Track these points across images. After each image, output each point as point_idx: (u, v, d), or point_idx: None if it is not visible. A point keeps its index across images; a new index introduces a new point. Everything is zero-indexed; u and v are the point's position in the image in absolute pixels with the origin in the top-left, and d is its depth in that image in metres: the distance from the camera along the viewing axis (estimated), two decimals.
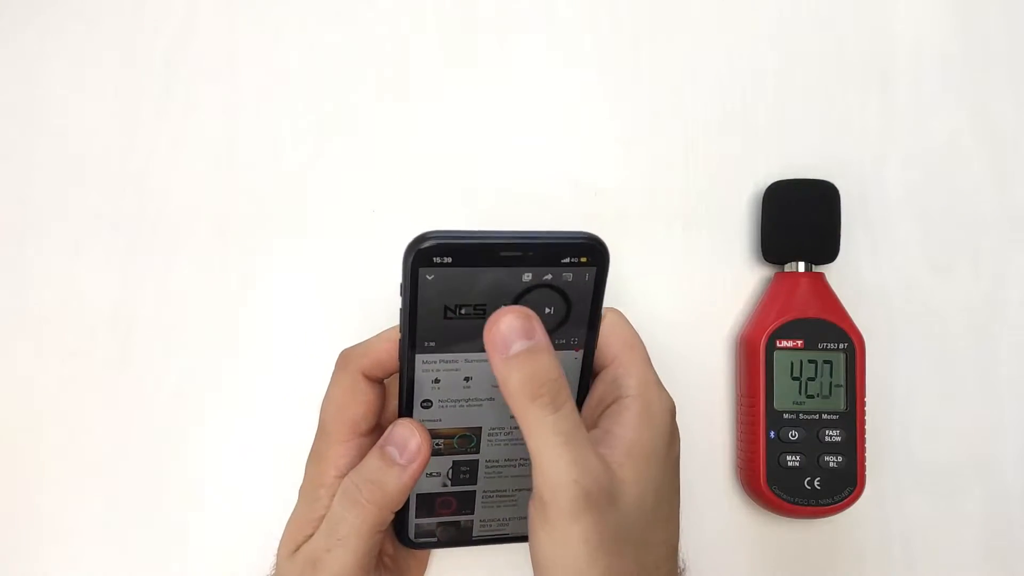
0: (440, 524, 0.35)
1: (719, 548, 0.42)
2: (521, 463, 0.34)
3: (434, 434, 0.32)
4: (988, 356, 0.44)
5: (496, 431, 0.33)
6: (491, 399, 0.32)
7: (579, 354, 0.31)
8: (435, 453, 0.33)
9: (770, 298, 0.42)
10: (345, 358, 0.33)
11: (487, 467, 0.34)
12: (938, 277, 0.44)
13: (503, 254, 0.28)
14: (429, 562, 0.40)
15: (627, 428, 0.30)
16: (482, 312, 0.29)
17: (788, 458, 0.40)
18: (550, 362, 0.27)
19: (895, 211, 0.44)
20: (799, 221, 0.42)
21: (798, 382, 0.40)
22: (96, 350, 0.42)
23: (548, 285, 0.29)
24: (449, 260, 0.28)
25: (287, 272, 0.43)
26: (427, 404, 0.32)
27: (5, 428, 0.42)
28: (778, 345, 0.40)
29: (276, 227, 0.43)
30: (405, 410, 0.32)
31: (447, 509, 0.35)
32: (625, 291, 0.43)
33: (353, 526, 0.30)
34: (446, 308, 0.29)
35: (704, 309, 0.43)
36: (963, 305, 0.44)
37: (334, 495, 0.31)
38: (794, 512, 0.40)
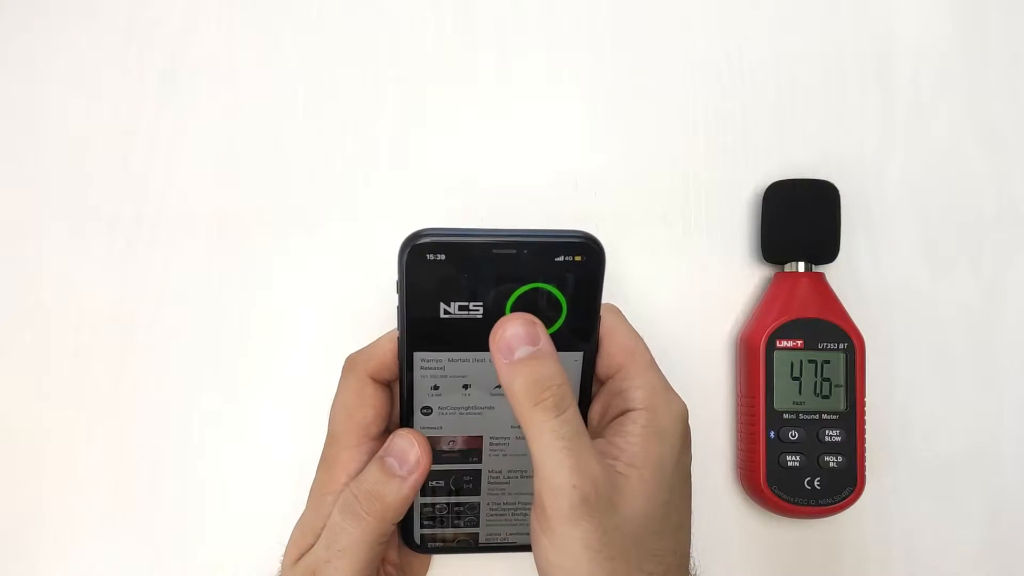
0: (446, 532, 0.35)
1: (719, 548, 0.42)
2: (524, 475, 0.34)
3: (435, 442, 0.32)
4: (988, 356, 0.44)
5: (498, 441, 0.33)
6: (491, 408, 0.32)
7: (579, 356, 0.31)
8: (437, 461, 0.33)
9: (770, 298, 0.42)
10: (352, 362, 0.33)
11: (490, 477, 0.34)
12: (938, 277, 0.44)
13: (497, 252, 0.28)
14: (432, 565, 0.40)
15: (634, 443, 0.29)
16: (479, 311, 0.29)
17: (788, 458, 0.40)
18: (554, 367, 0.28)
19: (895, 211, 0.44)
20: (799, 221, 0.42)
21: (798, 382, 0.40)
22: (96, 350, 0.42)
23: (544, 284, 0.29)
24: (443, 257, 0.28)
25: (288, 272, 0.43)
26: (427, 411, 0.32)
27: (6, 428, 0.42)
28: (778, 345, 0.40)
29: (276, 227, 0.43)
30: (405, 417, 0.32)
31: (453, 520, 0.35)
32: (625, 291, 0.43)
33: (353, 538, 0.30)
34: (442, 306, 0.29)
35: (704, 309, 0.43)
36: (963, 305, 0.44)
37: None
38: (794, 512, 0.40)
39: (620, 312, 0.32)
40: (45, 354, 0.42)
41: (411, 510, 0.34)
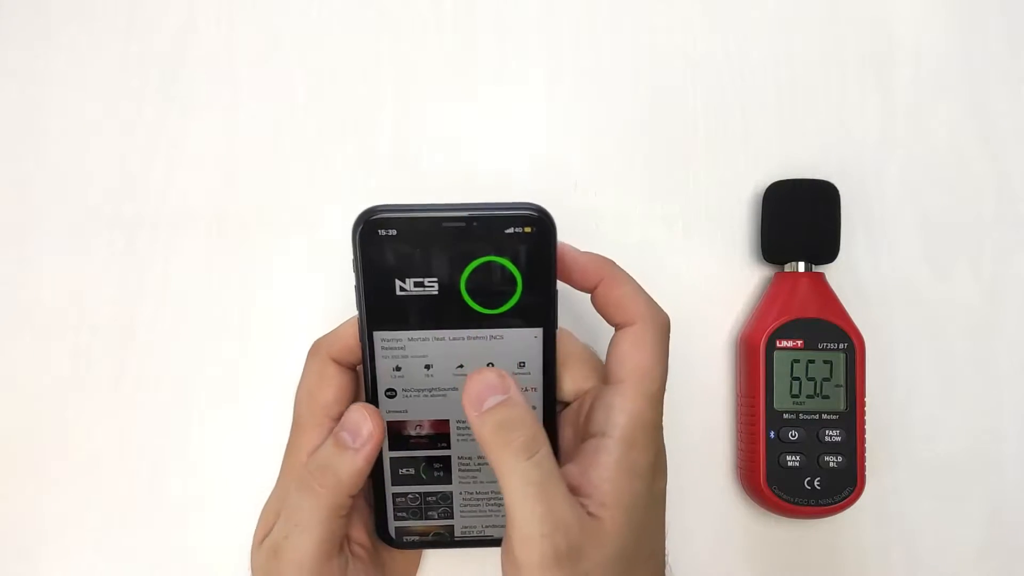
0: (421, 525, 0.35)
1: (719, 548, 0.42)
2: None
3: (402, 426, 0.33)
4: (988, 356, 0.44)
5: (464, 425, 0.33)
6: (455, 389, 0.32)
7: (539, 331, 0.31)
8: (405, 447, 0.33)
9: (770, 298, 0.42)
10: (316, 346, 0.33)
11: (460, 464, 0.34)
12: (938, 277, 0.44)
13: (447, 225, 0.29)
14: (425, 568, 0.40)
15: (605, 477, 0.29)
16: (434, 286, 0.29)
17: (788, 458, 0.40)
18: (524, 412, 0.28)
19: (895, 211, 0.44)
20: (799, 221, 0.42)
21: (798, 382, 0.40)
22: (96, 350, 0.42)
23: (496, 257, 0.29)
24: (395, 232, 0.28)
25: (287, 272, 0.43)
26: (391, 393, 0.32)
27: (5, 428, 0.42)
28: (778, 345, 0.40)
29: (276, 227, 0.43)
30: (371, 400, 0.32)
31: (426, 511, 0.35)
32: None
33: (308, 512, 0.30)
34: (398, 283, 0.29)
35: (704, 309, 0.43)
36: (963, 305, 0.44)
37: None
38: (794, 512, 0.40)
39: (660, 332, 0.31)
40: (45, 354, 0.42)
41: (384, 501, 0.34)
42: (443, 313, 0.30)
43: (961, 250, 0.44)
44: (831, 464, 0.40)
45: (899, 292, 0.44)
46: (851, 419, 0.40)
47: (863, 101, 0.45)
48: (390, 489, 0.34)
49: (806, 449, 0.40)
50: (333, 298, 0.43)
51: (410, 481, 0.34)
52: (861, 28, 0.45)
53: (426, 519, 0.35)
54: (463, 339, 0.31)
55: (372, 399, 0.32)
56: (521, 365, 0.32)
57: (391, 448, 0.34)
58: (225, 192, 0.43)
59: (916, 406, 0.43)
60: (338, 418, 0.32)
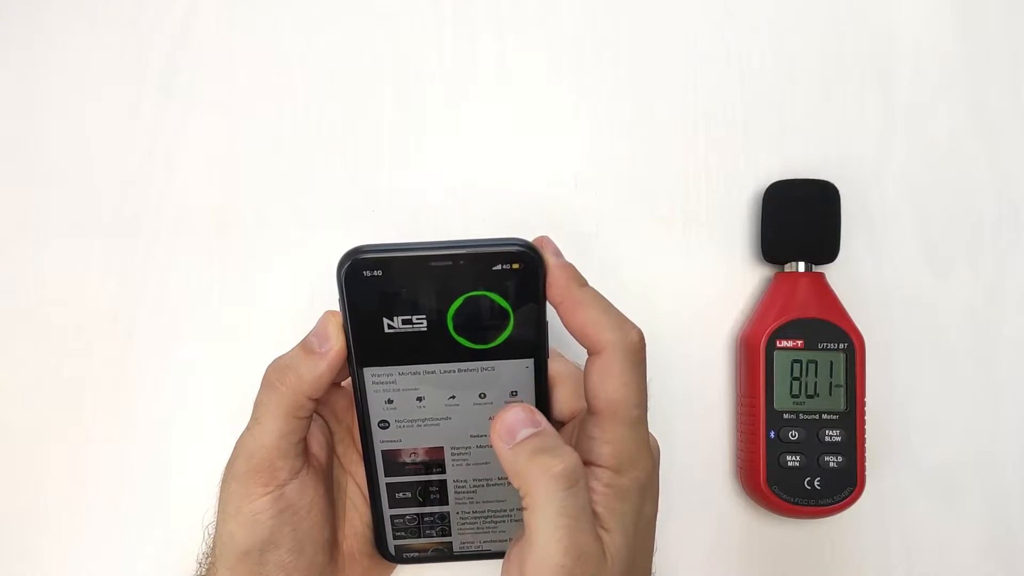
0: (420, 543, 0.35)
1: (719, 548, 0.42)
2: (489, 484, 0.34)
3: (396, 455, 0.33)
4: (988, 356, 0.44)
5: (459, 451, 0.33)
6: (447, 418, 0.32)
7: (530, 362, 0.31)
8: (401, 473, 0.33)
9: (770, 298, 0.42)
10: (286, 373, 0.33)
11: (456, 487, 0.34)
12: (938, 277, 0.44)
13: (434, 264, 0.28)
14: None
15: (599, 502, 0.29)
16: (422, 323, 0.29)
17: (788, 458, 0.40)
18: (561, 443, 0.28)
19: (895, 211, 0.44)
20: (799, 221, 0.42)
21: (798, 382, 0.40)
22: (96, 350, 0.42)
23: (485, 292, 0.29)
24: (380, 273, 0.29)
25: (288, 272, 0.43)
26: (384, 425, 0.32)
27: (5, 428, 0.42)
28: (778, 345, 0.40)
29: (276, 227, 0.43)
30: (362, 432, 0.32)
31: (424, 529, 0.35)
32: (625, 291, 0.43)
33: (268, 408, 0.31)
34: (386, 322, 0.29)
35: (704, 309, 0.43)
36: (963, 305, 0.44)
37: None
38: (794, 512, 0.40)
39: (629, 356, 0.29)
40: (45, 354, 0.42)
41: (382, 522, 0.35)
42: (432, 348, 0.30)
43: (961, 250, 0.44)
44: (831, 464, 0.40)
45: (899, 292, 0.44)
46: (851, 419, 0.40)
47: (863, 101, 0.45)
48: (387, 511, 0.34)
49: (806, 449, 0.40)
50: (333, 298, 0.43)
51: (407, 504, 0.34)
52: (861, 28, 0.45)
53: (424, 537, 0.35)
54: (454, 372, 0.31)
55: (365, 431, 0.32)
56: (513, 394, 0.31)
57: (387, 475, 0.34)
58: (225, 192, 0.43)
59: (916, 406, 0.43)
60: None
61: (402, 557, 0.36)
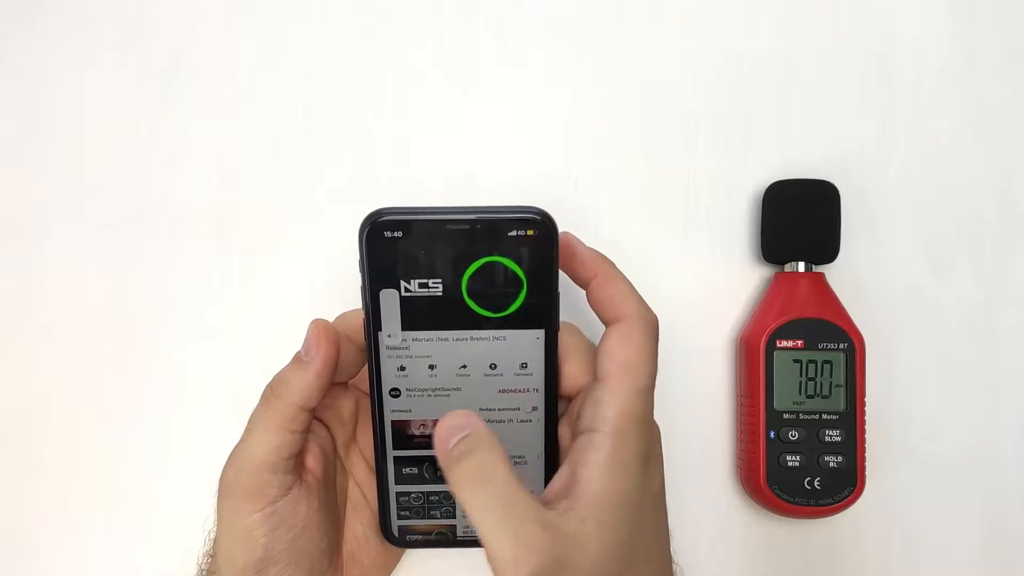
0: (424, 524, 0.35)
1: (719, 548, 0.42)
2: None
3: (406, 426, 0.33)
4: (988, 356, 0.44)
5: None
6: (458, 389, 0.32)
7: (541, 333, 0.31)
8: (409, 447, 0.33)
9: (770, 298, 0.42)
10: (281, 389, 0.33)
11: None
12: (938, 277, 0.44)
13: (452, 228, 0.29)
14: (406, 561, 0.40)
15: (594, 475, 0.29)
16: (438, 287, 0.30)
17: (788, 458, 0.40)
18: (480, 441, 0.28)
19: (895, 211, 0.44)
20: (799, 221, 0.42)
21: (798, 382, 0.40)
22: (96, 350, 0.42)
23: (499, 257, 0.29)
24: (400, 234, 0.29)
25: (288, 272, 0.43)
26: (395, 393, 0.32)
27: (5, 428, 0.42)
28: (778, 345, 0.40)
29: (276, 227, 0.43)
30: (376, 400, 0.33)
31: (429, 510, 0.35)
32: None
33: (260, 420, 0.32)
34: (403, 284, 0.30)
35: (704, 309, 0.43)
36: (963, 305, 0.44)
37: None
38: (794, 512, 0.40)
39: (648, 329, 0.31)
40: (45, 354, 0.42)
41: (387, 500, 0.35)
42: (446, 314, 0.30)
43: (962, 250, 0.44)
44: (831, 464, 0.40)
45: (899, 292, 0.44)
46: (851, 419, 0.40)
47: (863, 101, 0.45)
48: (393, 488, 0.35)
49: (806, 449, 0.40)
50: (333, 297, 0.43)
51: (413, 480, 0.34)
52: (862, 28, 0.45)
53: (429, 518, 0.35)
54: (466, 340, 0.31)
55: (377, 398, 0.33)
56: (523, 366, 0.32)
57: (395, 447, 0.34)
58: (225, 192, 0.43)
59: (916, 406, 0.43)
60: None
61: (405, 540, 0.35)
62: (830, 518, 0.41)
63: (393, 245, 0.30)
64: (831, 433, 0.40)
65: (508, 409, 0.33)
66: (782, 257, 0.42)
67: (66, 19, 0.45)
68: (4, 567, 0.41)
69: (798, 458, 0.40)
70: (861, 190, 0.44)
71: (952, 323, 0.44)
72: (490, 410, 0.33)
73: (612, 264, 0.32)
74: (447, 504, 0.35)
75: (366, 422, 0.36)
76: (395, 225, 0.29)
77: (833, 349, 0.40)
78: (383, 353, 0.32)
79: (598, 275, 0.32)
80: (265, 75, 0.44)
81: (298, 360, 0.32)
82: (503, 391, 0.32)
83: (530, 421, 0.33)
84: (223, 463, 0.41)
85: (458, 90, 0.44)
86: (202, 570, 0.35)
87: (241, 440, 0.33)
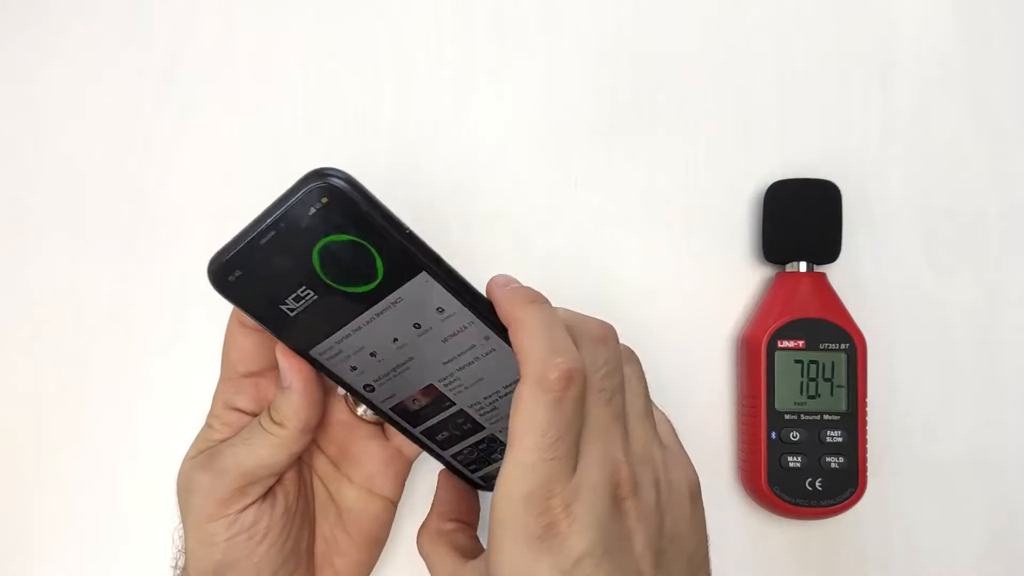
0: (493, 468, 0.35)
1: (719, 548, 0.42)
2: (502, 394, 0.33)
3: (402, 406, 0.33)
4: (990, 356, 0.44)
5: (448, 380, 0.32)
6: (411, 358, 0.31)
7: (424, 276, 0.29)
8: (423, 420, 0.33)
9: (771, 298, 0.42)
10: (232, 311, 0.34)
11: (475, 410, 0.33)
12: (940, 277, 0.44)
13: (264, 242, 0.28)
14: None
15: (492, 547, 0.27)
16: (308, 294, 0.29)
17: (789, 459, 0.40)
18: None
19: (897, 211, 0.44)
20: (800, 221, 0.42)
21: (799, 382, 0.40)
22: (96, 350, 0.42)
23: (326, 241, 0.28)
24: (240, 273, 0.29)
25: None
26: (369, 388, 0.32)
27: (5, 428, 0.42)
28: (779, 345, 0.40)
29: None
30: (366, 401, 0.33)
31: (490, 454, 0.35)
32: (626, 291, 0.43)
33: (261, 436, 0.32)
34: (282, 308, 0.30)
35: (705, 309, 0.43)
36: (965, 305, 0.44)
37: (224, 423, 0.33)
38: (795, 513, 0.40)
39: (539, 390, 0.27)
40: (45, 354, 0.42)
41: (456, 468, 0.35)
42: (337, 309, 0.30)
43: (963, 250, 0.44)
44: (832, 465, 0.40)
45: (901, 292, 0.44)
46: (853, 420, 0.40)
47: (865, 100, 0.45)
48: (447, 454, 0.35)
49: (807, 450, 0.40)
50: None
51: (454, 440, 0.34)
52: (862, 27, 0.45)
53: (494, 462, 0.35)
54: (373, 319, 0.30)
55: (365, 400, 0.33)
56: (440, 310, 0.30)
57: (414, 425, 0.34)
58: (225, 192, 0.43)
59: (918, 406, 0.43)
60: (247, 375, 0.34)
61: (491, 485, 0.35)
62: (831, 519, 0.41)
63: (242, 283, 0.29)
64: (832, 434, 0.40)
65: (465, 351, 0.31)
66: (783, 257, 0.42)
67: (66, 19, 0.45)
68: (5, 567, 0.41)
69: (799, 459, 0.40)
70: (862, 190, 0.44)
71: (954, 323, 0.44)
72: (452, 359, 0.31)
73: (527, 307, 0.28)
74: (495, 444, 0.34)
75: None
76: (228, 266, 0.28)
77: (835, 349, 0.40)
78: (328, 365, 0.31)
79: (509, 326, 0.28)
80: (265, 75, 0.44)
81: (281, 387, 0.32)
82: (445, 339, 0.31)
83: (494, 350, 0.31)
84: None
85: (458, 89, 0.44)
86: (177, 566, 0.35)
87: (232, 444, 0.32)
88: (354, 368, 0.31)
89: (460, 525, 0.34)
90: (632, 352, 0.31)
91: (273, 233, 0.28)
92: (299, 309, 0.30)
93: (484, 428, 0.34)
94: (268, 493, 0.33)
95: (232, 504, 0.32)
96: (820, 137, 0.44)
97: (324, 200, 0.28)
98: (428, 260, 0.29)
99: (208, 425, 0.34)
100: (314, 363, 0.31)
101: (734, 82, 0.45)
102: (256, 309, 0.30)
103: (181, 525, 0.33)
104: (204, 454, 0.33)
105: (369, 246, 0.28)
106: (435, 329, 0.30)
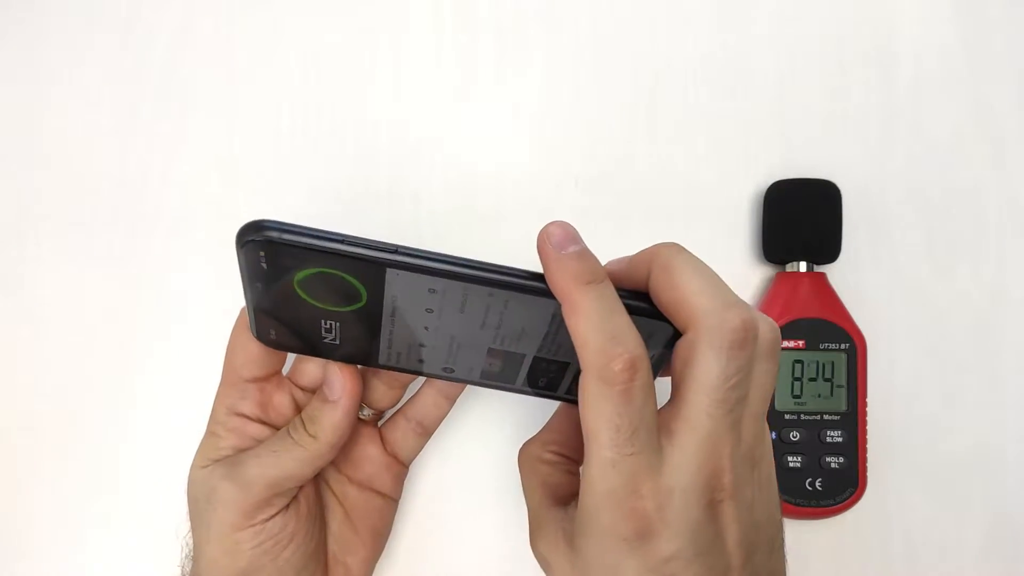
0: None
1: None
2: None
3: (487, 374, 0.33)
4: (990, 356, 0.44)
5: (499, 338, 0.31)
6: (452, 336, 0.31)
7: (390, 272, 0.29)
8: (518, 371, 0.32)
9: (771, 298, 0.42)
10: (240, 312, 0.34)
11: (546, 352, 0.32)
12: (940, 277, 0.44)
13: (264, 299, 0.30)
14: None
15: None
16: (332, 324, 0.30)
17: (789, 459, 0.40)
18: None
19: (897, 210, 0.44)
20: (800, 221, 0.42)
21: (799, 382, 0.40)
22: (96, 350, 0.42)
23: (296, 279, 0.29)
24: (273, 334, 0.31)
25: None
26: (449, 371, 0.33)
27: (5, 428, 0.42)
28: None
29: None
30: (463, 382, 0.33)
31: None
32: None
33: (289, 448, 0.32)
34: (323, 341, 0.31)
35: None
36: (965, 305, 0.44)
37: (229, 429, 0.33)
38: (795, 513, 0.40)
39: (609, 389, 0.26)
40: (44, 354, 0.42)
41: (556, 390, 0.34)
42: (363, 322, 0.30)
43: (963, 249, 0.44)
44: (832, 465, 0.40)
45: (901, 292, 0.44)
46: (852, 420, 0.40)
47: (865, 100, 0.45)
48: (562, 393, 0.34)
49: (807, 450, 0.40)
50: None
51: (557, 381, 0.33)
52: (862, 26, 0.45)
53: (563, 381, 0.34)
54: (393, 319, 0.30)
55: (463, 381, 0.33)
56: (432, 291, 0.29)
57: (512, 383, 0.33)
58: (225, 192, 0.43)
59: (918, 407, 0.43)
60: (250, 379, 0.33)
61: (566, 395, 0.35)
62: (831, 519, 0.41)
63: (282, 337, 0.31)
64: (832, 434, 0.40)
65: (485, 312, 0.30)
66: (783, 257, 0.42)
67: (65, 19, 0.45)
68: (4, 567, 0.41)
69: (799, 459, 0.40)
70: (863, 189, 0.44)
71: (954, 323, 0.44)
72: (483, 323, 0.30)
73: (583, 289, 0.27)
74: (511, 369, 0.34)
75: None
76: (260, 333, 0.31)
77: (834, 349, 0.40)
78: (400, 366, 0.32)
79: (563, 303, 0.27)
80: (264, 75, 0.44)
81: (323, 398, 0.32)
82: (461, 310, 0.30)
83: (508, 300, 0.29)
84: None
85: (458, 88, 0.44)
86: (183, 573, 0.35)
87: (258, 454, 0.32)
88: (421, 361, 0.32)
89: (561, 459, 0.32)
90: (773, 347, 0.28)
91: (260, 286, 0.29)
92: (338, 336, 0.30)
93: (570, 364, 0.32)
94: (294, 500, 0.33)
95: (258, 514, 0.31)
96: (820, 136, 0.44)
97: (262, 254, 0.28)
98: (387, 256, 0.28)
99: (213, 433, 0.33)
100: (389, 369, 0.32)
101: (734, 82, 0.45)
102: (310, 351, 0.31)
103: (191, 533, 0.33)
104: (223, 463, 0.32)
105: (329, 270, 0.28)
106: (444, 307, 0.30)
